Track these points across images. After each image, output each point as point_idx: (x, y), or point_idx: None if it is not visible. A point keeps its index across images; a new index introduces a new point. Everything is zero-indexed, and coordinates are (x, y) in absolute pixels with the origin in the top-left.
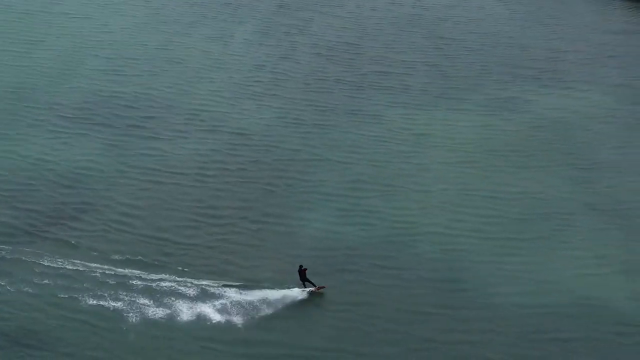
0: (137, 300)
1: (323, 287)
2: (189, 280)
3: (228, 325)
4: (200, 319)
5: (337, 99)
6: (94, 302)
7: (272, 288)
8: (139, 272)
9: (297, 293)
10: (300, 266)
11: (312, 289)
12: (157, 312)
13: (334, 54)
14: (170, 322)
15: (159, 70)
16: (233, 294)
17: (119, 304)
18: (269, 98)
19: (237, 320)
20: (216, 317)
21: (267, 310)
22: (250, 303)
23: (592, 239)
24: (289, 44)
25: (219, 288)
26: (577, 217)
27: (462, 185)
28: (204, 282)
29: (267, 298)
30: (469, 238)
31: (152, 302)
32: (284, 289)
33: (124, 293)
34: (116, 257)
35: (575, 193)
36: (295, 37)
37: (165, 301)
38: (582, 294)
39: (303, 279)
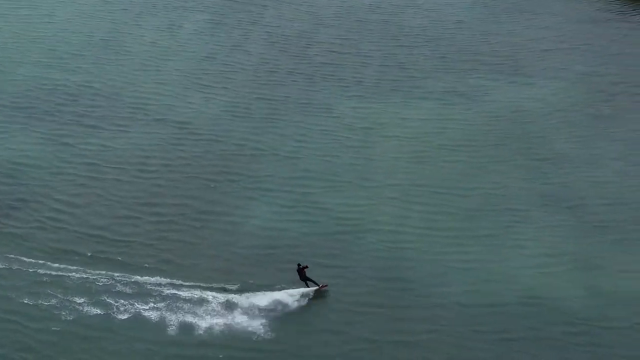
0: (72, 299)
1: (325, 286)
2: (126, 277)
3: (163, 325)
4: (136, 318)
5: (288, 91)
6: (26, 300)
7: (210, 286)
8: (74, 268)
9: (289, 295)
10: (299, 265)
11: (315, 288)
12: (91, 311)
13: (287, 45)
14: (105, 321)
15: (105, 61)
16: (171, 292)
17: (52, 302)
18: (217, 90)
19: (173, 319)
20: (152, 316)
21: (204, 310)
22: (189, 301)
23: (545, 234)
24: (240, 35)
25: (157, 286)
26: (530, 212)
27: (413, 180)
28: (141, 280)
29: (205, 298)
30: (417, 234)
31: (86, 300)
32: (220, 286)
33: (58, 291)
34: (51, 253)
35: (530, 187)
36: (247, 27)
37: (100, 299)
38: (532, 291)
39: (304, 278)
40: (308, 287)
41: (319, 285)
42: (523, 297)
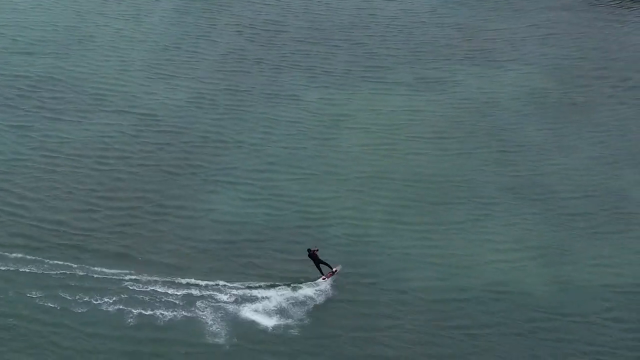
0: (26, 292)
1: (337, 270)
2: (82, 270)
3: (120, 319)
4: (92, 312)
5: (254, 80)
6: None
7: (169, 280)
8: (31, 258)
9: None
10: (309, 250)
11: (331, 270)
12: (46, 305)
13: (254, 33)
14: (60, 315)
15: (68, 50)
16: (129, 286)
17: (7, 296)
18: (182, 80)
19: (130, 313)
20: (109, 310)
21: (162, 304)
22: (147, 295)
23: (513, 226)
24: (207, 24)
25: (114, 280)
26: (498, 203)
27: (379, 172)
28: (98, 273)
29: (165, 292)
30: (382, 227)
31: (42, 294)
32: (179, 280)
33: (13, 284)
34: (6, 245)
35: (498, 178)
36: (214, 16)
37: (56, 293)
38: (499, 285)
39: (317, 261)
40: (321, 271)
41: (332, 269)
42: (490, 291)
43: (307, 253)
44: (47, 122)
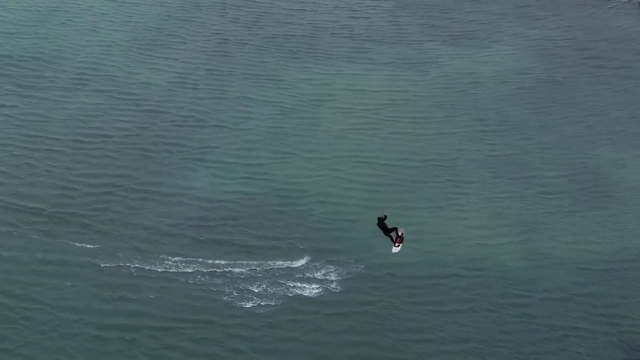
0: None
1: (402, 233)
2: (59, 249)
3: (98, 296)
4: (59, 288)
5: (237, 62)
6: None
7: (147, 257)
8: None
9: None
10: (379, 218)
11: (397, 235)
12: (20, 281)
13: (238, 15)
14: (31, 293)
15: (50, 31)
16: (107, 265)
17: None
18: (164, 61)
19: (108, 293)
20: (78, 287)
21: (140, 283)
22: (127, 268)
23: (489, 202)
24: (192, 5)
25: (94, 254)
26: (475, 180)
27: (359, 150)
28: (79, 247)
29: (142, 268)
30: (359, 205)
31: (17, 269)
32: (157, 257)
33: None
34: None
35: (477, 156)
36: None
37: (32, 268)
38: (473, 258)
39: (386, 230)
40: (392, 238)
41: (399, 234)
42: (465, 268)
43: (377, 222)
44: (26, 102)
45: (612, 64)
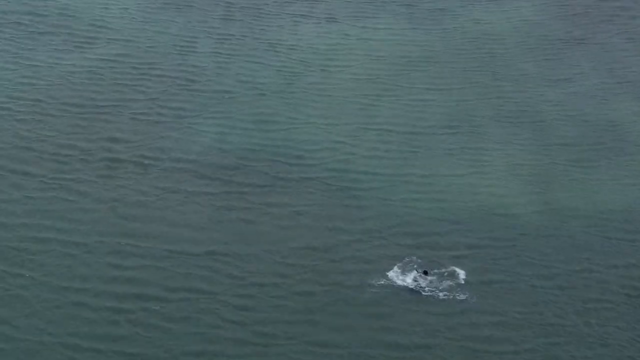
0: None
1: None
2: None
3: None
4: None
5: (240, 26)
6: None
7: None
8: None
9: None
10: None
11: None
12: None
13: None
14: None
15: None
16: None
17: None
18: (163, 24)
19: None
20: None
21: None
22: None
23: (502, 152)
24: None
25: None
26: (489, 131)
27: (373, 98)
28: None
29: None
30: (373, 149)
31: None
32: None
33: None
34: None
35: (490, 107)
36: None
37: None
38: (485, 205)
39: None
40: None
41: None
42: (475, 216)
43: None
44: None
45: (628, 13)
